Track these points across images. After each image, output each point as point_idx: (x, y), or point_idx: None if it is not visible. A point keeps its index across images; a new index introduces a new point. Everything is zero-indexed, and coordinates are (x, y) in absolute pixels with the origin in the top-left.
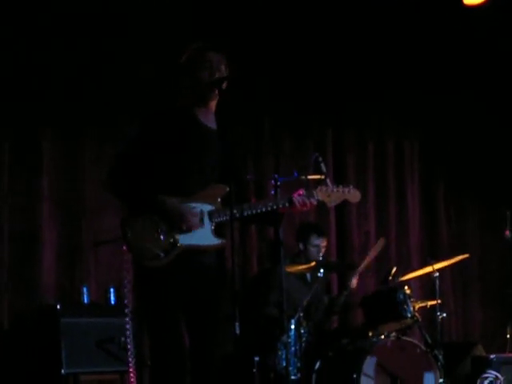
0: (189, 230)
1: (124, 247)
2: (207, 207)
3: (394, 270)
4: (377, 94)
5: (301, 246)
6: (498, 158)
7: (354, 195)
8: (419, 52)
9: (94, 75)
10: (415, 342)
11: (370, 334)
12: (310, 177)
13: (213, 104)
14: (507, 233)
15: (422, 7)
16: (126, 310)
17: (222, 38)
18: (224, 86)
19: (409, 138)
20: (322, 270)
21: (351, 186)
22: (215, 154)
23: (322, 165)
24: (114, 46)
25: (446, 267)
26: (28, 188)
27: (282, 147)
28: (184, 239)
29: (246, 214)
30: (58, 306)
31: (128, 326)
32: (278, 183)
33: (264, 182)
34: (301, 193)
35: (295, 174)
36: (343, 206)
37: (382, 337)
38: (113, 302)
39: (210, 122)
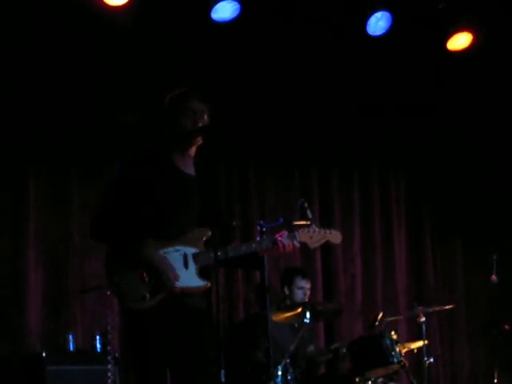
0: (171, 285)
1: (109, 292)
2: (191, 250)
3: (381, 315)
4: (362, 136)
5: (286, 290)
6: (484, 200)
7: (335, 236)
8: (404, 94)
9: (80, 119)
10: None
11: (357, 379)
12: (295, 223)
13: (192, 150)
14: (494, 277)
15: (407, 51)
16: (109, 357)
17: (206, 87)
18: (206, 134)
19: (395, 180)
20: (308, 316)
21: (332, 228)
22: (195, 199)
23: (308, 211)
24: (101, 87)
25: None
26: (14, 232)
27: (268, 190)
28: None
29: (230, 255)
30: (44, 354)
31: (110, 374)
32: (264, 229)
33: (250, 228)
34: (283, 235)
35: (281, 219)
36: (329, 249)
37: (369, 382)
38: (99, 350)
39: (188, 167)
